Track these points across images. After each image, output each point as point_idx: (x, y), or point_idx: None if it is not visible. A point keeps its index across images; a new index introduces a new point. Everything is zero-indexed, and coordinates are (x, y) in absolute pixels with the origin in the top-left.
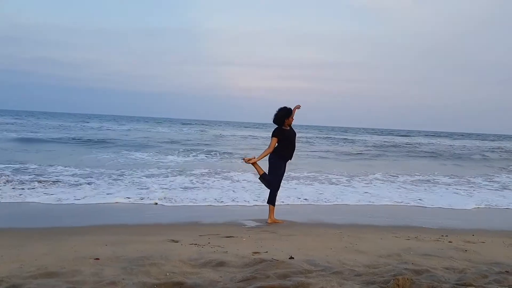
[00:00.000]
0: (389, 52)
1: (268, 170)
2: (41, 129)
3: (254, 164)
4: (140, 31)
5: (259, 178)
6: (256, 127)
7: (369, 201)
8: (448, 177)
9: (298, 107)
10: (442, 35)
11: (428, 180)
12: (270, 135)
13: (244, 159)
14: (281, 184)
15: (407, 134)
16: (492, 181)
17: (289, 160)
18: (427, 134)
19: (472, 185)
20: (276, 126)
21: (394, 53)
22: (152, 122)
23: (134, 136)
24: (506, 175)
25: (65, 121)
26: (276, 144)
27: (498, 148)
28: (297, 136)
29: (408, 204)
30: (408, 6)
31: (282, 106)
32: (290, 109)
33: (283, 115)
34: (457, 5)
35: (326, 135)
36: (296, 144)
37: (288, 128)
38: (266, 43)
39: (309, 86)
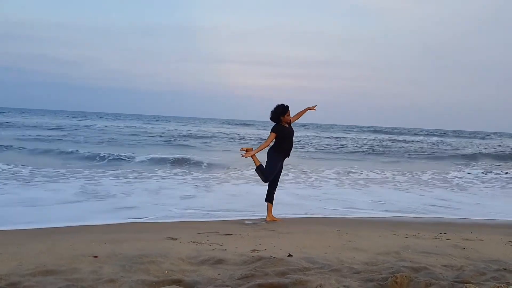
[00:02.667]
0: (388, 51)
1: (266, 163)
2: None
3: (252, 156)
4: (139, 29)
5: (255, 170)
6: (243, 124)
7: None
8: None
9: (312, 108)
10: (441, 35)
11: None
12: (269, 131)
13: (242, 149)
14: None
15: (401, 132)
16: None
17: (287, 157)
18: (425, 134)
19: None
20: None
21: (393, 52)
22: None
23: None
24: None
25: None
26: (275, 140)
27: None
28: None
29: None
30: (409, 7)
31: (280, 103)
32: (286, 106)
33: (279, 112)
34: (456, 4)
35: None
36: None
37: (286, 125)
38: (264, 41)
39: (307, 84)
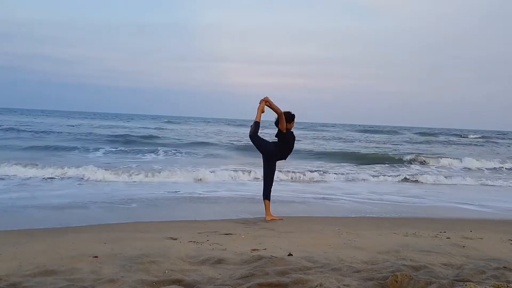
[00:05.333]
0: (389, 49)
1: (267, 140)
2: None
3: (261, 109)
4: (138, 28)
5: (253, 123)
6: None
7: None
8: None
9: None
10: (442, 32)
11: None
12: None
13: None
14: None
15: (396, 130)
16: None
17: (283, 160)
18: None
19: None
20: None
21: (394, 50)
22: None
23: None
24: None
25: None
26: (277, 139)
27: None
28: None
29: None
30: (409, 4)
31: (287, 110)
32: (293, 115)
33: (285, 119)
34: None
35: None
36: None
37: (288, 131)
38: (264, 39)
39: (307, 82)
